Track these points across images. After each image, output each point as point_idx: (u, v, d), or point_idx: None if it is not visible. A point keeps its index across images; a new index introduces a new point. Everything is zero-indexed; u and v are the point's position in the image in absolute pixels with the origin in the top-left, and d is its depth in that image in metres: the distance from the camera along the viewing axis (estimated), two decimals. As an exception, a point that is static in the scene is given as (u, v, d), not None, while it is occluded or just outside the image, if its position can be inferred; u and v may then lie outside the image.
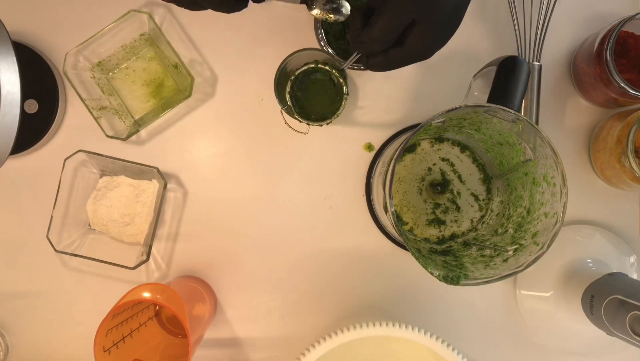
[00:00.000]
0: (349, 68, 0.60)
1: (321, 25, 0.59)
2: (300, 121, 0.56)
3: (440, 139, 0.60)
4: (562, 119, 0.64)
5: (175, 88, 0.64)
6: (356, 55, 0.48)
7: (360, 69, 0.61)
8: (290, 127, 0.57)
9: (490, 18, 0.63)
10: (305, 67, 0.56)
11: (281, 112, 0.56)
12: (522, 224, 0.53)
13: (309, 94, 0.60)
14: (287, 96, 0.57)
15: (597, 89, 0.59)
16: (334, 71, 0.54)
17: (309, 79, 0.58)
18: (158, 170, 0.60)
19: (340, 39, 0.60)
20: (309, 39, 0.63)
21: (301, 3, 0.47)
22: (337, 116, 0.55)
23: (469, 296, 0.64)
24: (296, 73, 0.57)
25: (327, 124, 0.56)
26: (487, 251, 0.53)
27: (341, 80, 0.55)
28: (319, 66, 0.56)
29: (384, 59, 0.45)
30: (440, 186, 0.60)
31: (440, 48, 0.45)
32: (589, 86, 0.60)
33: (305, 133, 0.57)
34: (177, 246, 0.64)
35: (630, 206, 0.64)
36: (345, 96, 0.55)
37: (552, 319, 0.62)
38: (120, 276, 0.64)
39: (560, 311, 0.61)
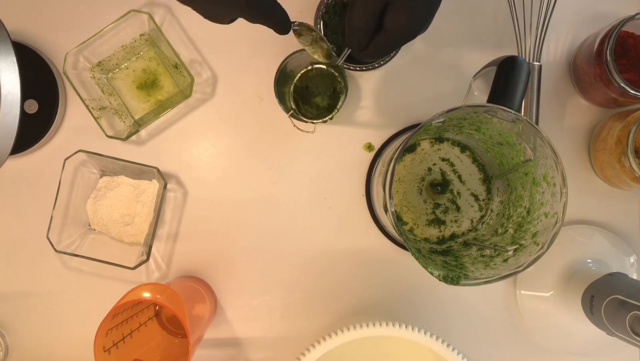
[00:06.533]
0: (351, 69, 0.60)
1: (321, 19, 0.59)
2: (306, 121, 0.57)
3: (440, 139, 0.60)
4: (562, 119, 0.64)
5: (175, 88, 0.64)
6: (347, 50, 0.49)
7: (362, 70, 0.61)
8: (299, 128, 0.58)
9: (490, 18, 0.63)
10: (304, 70, 0.57)
11: (289, 117, 0.56)
12: (522, 224, 0.53)
13: (309, 93, 0.60)
14: (291, 100, 0.58)
15: (597, 89, 0.59)
16: (330, 68, 0.54)
17: (307, 77, 0.58)
18: (158, 170, 0.60)
19: (338, 34, 0.61)
20: (309, 39, 0.63)
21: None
22: (338, 110, 0.55)
23: (469, 296, 0.64)
24: (296, 78, 0.57)
25: (330, 119, 0.56)
26: (487, 251, 0.53)
27: (337, 75, 0.55)
28: (315, 66, 0.56)
29: (373, 46, 0.46)
30: (440, 186, 0.60)
31: (422, 26, 0.45)
32: (589, 86, 0.60)
33: (312, 132, 0.58)
34: (177, 246, 0.64)
35: (630, 206, 0.64)
36: (343, 90, 0.55)
37: (552, 319, 0.62)
38: (120, 276, 0.64)
39: (560, 311, 0.61)
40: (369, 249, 0.64)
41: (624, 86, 0.54)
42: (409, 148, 0.60)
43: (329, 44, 0.52)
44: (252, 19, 0.43)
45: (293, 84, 0.58)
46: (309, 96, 0.60)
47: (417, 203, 0.60)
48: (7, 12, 0.63)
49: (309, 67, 0.57)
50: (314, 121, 0.56)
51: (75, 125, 0.64)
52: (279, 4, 0.44)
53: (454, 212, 0.60)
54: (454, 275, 0.48)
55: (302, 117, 0.57)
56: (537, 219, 0.51)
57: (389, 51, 0.48)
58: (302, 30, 0.49)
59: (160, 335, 0.62)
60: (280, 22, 0.44)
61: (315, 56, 0.53)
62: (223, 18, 0.43)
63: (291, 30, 0.47)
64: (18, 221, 0.64)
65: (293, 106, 0.57)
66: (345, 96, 0.57)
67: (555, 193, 0.49)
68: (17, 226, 0.64)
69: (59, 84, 0.63)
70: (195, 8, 0.42)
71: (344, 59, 0.51)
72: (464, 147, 0.60)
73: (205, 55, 0.64)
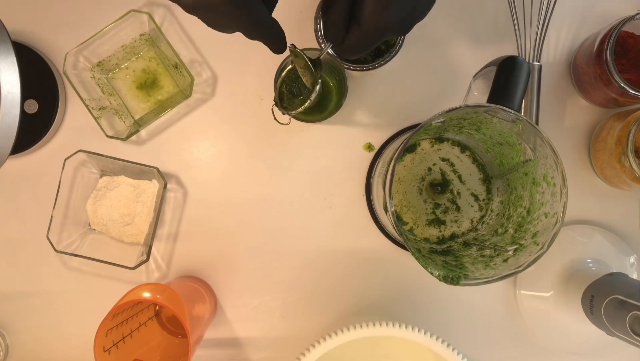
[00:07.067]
0: (351, 69, 0.60)
1: (321, 19, 0.59)
2: (284, 113, 0.56)
3: (440, 139, 0.60)
4: (562, 119, 0.64)
5: (175, 88, 0.64)
6: (329, 45, 0.46)
7: (362, 70, 0.61)
8: (278, 121, 0.57)
9: (491, 18, 0.63)
10: (290, 67, 0.57)
11: (272, 109, 0.56)
12: (522, 224, 0.53)
13: (300, 89, 0.59)
14: (276, 94, 0.57)
15: (597, 89, 0.59)
16: (308, 62, 0.53)
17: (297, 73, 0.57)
18: (158, 170, 0.60)
19: None
20: (310, 39, 0.63)
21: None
22: (311, 100, 0.54)
23: (469, 296, 0.64)
24: (282, 74, 0.57)
25: (305, 108, 0.55)
26: (487, 251, 0.53)
27: (311, 66, 0.54)
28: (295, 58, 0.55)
29: (348, 39, 0.42)
30: (440, 186, 0.60)
31: (394, 19, 0.39)
32: (589, 86, 0.60)
33: (287, 124, 0.57)
34: (177, 246, 0.64)
35: (630, 206, 0.64)
36: (317, 81, 0.54)
37: (552, 319, 0.62)
38: (120, 276, 0.64)
39: (560, 311, 0.61)
40: (369, 249, 0.64)
41: (624, 86, 0.54)
42: (409, 148, 0.60)
43: (316, 76, 0.51)
44: (250, 36, 0.43)
45: (281, 78, 0.57)
46: (300, 91, 0.59)
47: (417, 203, 0.60)
48: (7, 12, 0.63)
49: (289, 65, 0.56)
50: (290, 113, 0.55)
51: (75, 125, 0.64)
52: (278, 24, 0.43)
53: (454, 212, 0.60)
54: (454, 275, 0.48)
55: (278, 107, 0.56)
56: (537, 219, 0.51)
57: (366, 47, 0.43)
58: (297, 53, 0.50)
59: (160, 335, 0.62)
60: (276, 43, 0.44)
61: (304, 80, 0.53)
62: (226, 29, 0.43)
63: (287, 49, 0.47)
64: (18, 221, 0.64)
65: (277, 99, 0.57)
66: (319, 90, 0.54)
67: (555, 193, 0.49)
68: (17, 226, 0.64)
69: (59, 84, 0.63)
70: (200, 17, 0.42)
71: (324, 53, 0.50)
72: (464, 147, 0.60)
73: (205, 55, 0.64)
